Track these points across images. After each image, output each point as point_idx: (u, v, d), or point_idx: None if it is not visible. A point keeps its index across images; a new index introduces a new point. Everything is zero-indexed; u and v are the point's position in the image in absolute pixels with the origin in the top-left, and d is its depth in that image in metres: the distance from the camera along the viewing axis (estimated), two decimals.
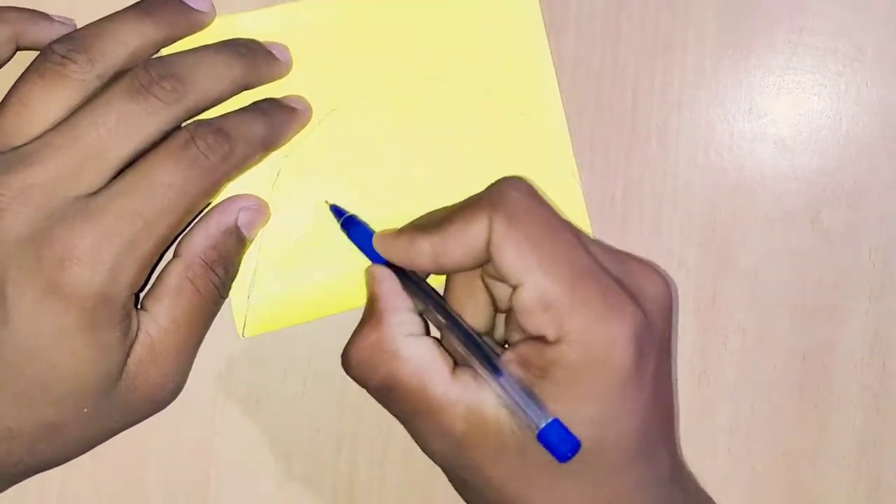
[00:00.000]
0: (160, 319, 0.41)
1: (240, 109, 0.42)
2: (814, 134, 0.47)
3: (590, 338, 0.37)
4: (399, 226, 0.43)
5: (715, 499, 0.45)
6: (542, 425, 0.37)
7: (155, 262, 0.40)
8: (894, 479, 0.47)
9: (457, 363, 0.40)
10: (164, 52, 0.42)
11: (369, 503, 0.46)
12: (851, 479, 0.47)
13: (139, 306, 0.41)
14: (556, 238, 0.38)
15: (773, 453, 0.47)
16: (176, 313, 0.41)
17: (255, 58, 0.43)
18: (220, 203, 0.43)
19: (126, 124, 0.39)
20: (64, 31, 0.42)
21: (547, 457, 0.37)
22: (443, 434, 0.39)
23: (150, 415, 0.43)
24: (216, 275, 0.42)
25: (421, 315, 0.42)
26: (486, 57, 0.46)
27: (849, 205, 0.47)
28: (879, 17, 0.47)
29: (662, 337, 0.40)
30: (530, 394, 0.38)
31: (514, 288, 0.38)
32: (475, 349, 0.39)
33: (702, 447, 0.47)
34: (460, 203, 0.41)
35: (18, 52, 0.42)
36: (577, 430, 0.37)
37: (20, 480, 0.42)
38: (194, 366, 0.43)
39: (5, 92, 0.40)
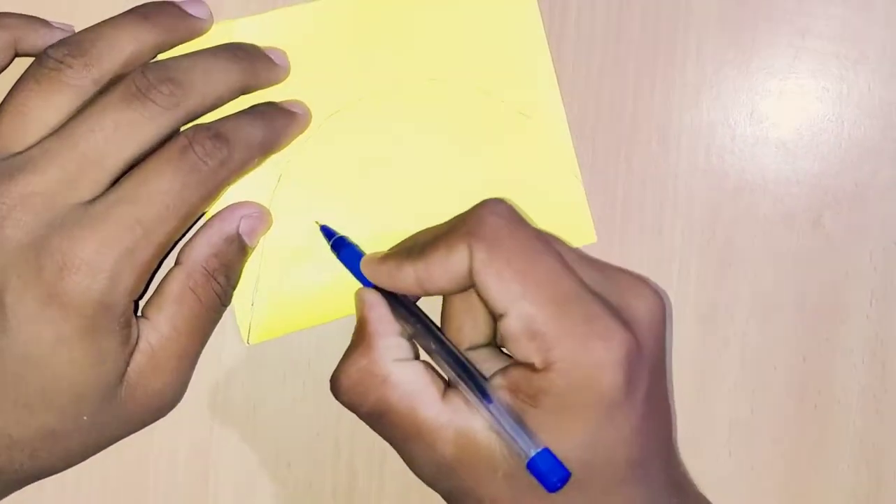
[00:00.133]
0: (161, 327, 0.41)
1: (238, 113, 0.42)
2: (815, 137, 0.47)
3: (577, 365, 0.37)
4: (400, 227, 0.43)
5: (715, 500, 0.45)
6: (532, 454, 0.37)
7: (154, 269, 0.40)
8: (894, 479, 0.48)
9: (448, 385, 0.40)
10: (161, 57, 0.42)
11: None
12: (851, 480, 0.48)
13: (140, 314, 0.41)
14: (539, 263, 0.38)
15: (773, 454, 0.47)
16: (177, 321, 0.41)
17: (254, 62, 0.43)
18: (221, 211, 0.43)
19: (124, 130, 0.38)
20: (63, 37, 0.42)
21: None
22: (433, 458, 0.39)
23: (151, 422, 0.43)
24: (217, 283, 0.41)
25: (411, 339, 0.41)
26: (486, 58, 0.46)
27: (850, 208, 0.47)
28: (881, 21, 0.47)
29: (654, 356, 0.39)
30: (520, 422, 0.38)
31: (500, 317, 0.38)
32: (465, 375, 0.39)
33: (702, 448, 0.47)
34: (444, 226, 0.40)
35: (17, 59, 0.42)
36: (566, 455, 0.37)
37: (20, 487, 0.42)
38: (194, 369, 0.43)
39: (2, 98, 0.39)
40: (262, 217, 0.43)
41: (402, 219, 0.44)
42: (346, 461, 0.46)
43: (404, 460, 0.41)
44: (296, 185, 0.44)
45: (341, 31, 0.45)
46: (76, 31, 0.42)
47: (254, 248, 0.43)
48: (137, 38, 0.40)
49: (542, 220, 0.44)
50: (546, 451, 0.37)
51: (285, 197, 0.44)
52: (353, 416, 0.45)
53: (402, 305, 0.41)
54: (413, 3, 0.45)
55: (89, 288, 0.37)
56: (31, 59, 0.40)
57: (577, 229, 0.46)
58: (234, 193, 0.43)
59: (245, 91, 0.42)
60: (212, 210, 0.43)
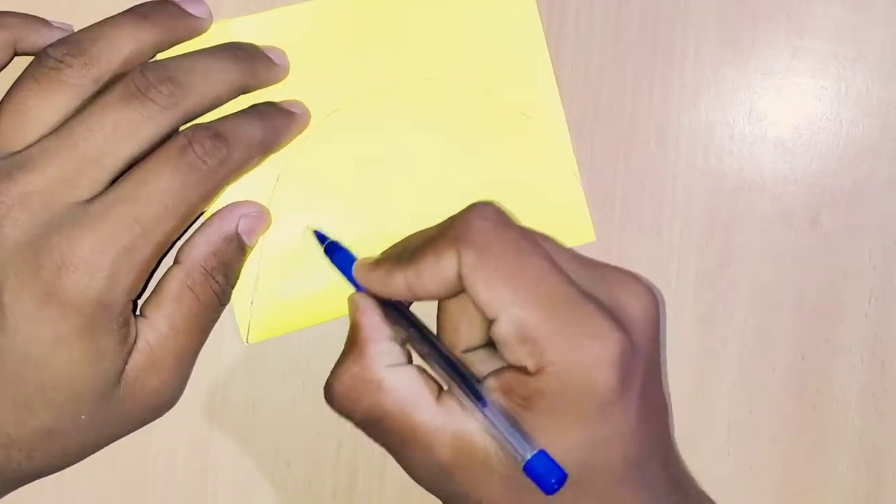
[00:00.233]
0: (159, 326, 0.41)
1: (237, 112, 0.42)
2: (814, 136, 0.47)
3: (570, 367, 0.37)
4: (399, 226, 0.43)
5: (715, 499, 0.45)
6: (528, 457, 0.37)
7: (153, 268, 0.40)
8: (894, 479, 0.48)
9: (442, 388, 0.40)
10: (161, 56, 0.42)
11: None
12: (850, 480, 0.48)
13: (138, 313, 0.41)
14: (528, 265, 0.38)
15: (771, 454, 0.47)
16: (175, 320, 0.41)
17: (253, 61, 0.43)
18: (220, 210, 0.43)
19: (123, 129, 0.38)
20: (62, 36, 0.42)
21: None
22: (430, 462, 0.39)
23: (149, 422, 0.43)
24: (216, 282, 0.41)
25: (404, 343, 0.41)
26: (485, 57, 0.46)
27: (848, 206, 0.47)
28: (879, 20, 0.47)
29: (648, 354, 0.39)
30: (515, 424, 0.37)
31: (491, 321, 0.38)
32: (458, 379, 0.39)
33: (700, 448, 0.47)
34: (434, 230, 0.40)
35: (16, 58, 0.42)
36: (563, 457, 0.37)
37: (18, 486, 0.42)
38: (193, 368, 0.43)
39: (1, 97, 0.39)
40: (261, 216, 0.43)
41: (401, 218, 0.44)
42: (345, 461, 0.46)
43: (401, 465, 0.41)
44: (294, 185, 0.44)
45: (341, 30, 0.45)
46: (76, 30, 0.42)
47: (253, 247, 0.43)
48: (137, 38, 0.40)
49: (540, 219, 0.44)
50: (542, 453, 0.37)
51: (284, 196, 0.44)
52: None
53: (396, 309, 0.41)
54: (412, 2, 0.45)
55: (88, 287, 0.37)
56: (31, 59, 0.40)
57: (576, 229, 0.46)
58: (233, 193, 0.43)
59: (244, 91, 0.42)
60: (211, 209, 0.43)
